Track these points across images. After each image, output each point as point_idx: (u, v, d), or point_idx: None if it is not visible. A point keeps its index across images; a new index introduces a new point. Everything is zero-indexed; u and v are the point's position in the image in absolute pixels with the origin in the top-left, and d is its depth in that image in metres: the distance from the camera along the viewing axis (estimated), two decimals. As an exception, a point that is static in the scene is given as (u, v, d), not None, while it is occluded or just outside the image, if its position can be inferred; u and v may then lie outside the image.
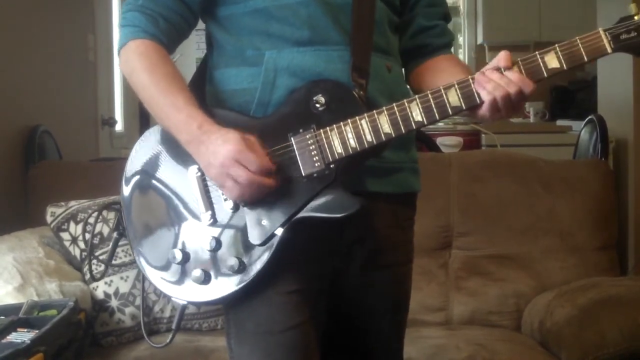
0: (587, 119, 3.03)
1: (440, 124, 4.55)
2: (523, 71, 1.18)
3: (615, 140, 3.00)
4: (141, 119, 4.55)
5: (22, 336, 1.68)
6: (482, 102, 1.19)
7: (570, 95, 5.70)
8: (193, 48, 5.13)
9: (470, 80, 1.20)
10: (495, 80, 1.18)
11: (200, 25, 1.40)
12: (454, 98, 1.20)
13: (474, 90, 1.20)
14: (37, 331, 1.70)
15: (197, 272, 1.24)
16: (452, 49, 1.50)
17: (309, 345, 1.28)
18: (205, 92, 1.37)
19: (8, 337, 1.69)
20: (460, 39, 6.55)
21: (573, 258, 2.47)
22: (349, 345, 1.42)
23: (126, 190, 1.34)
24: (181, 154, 1.27)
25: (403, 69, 1.46)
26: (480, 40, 6.21)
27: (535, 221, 2.51)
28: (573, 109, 5.50)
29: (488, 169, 2.59)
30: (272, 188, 1.20)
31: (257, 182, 1.19)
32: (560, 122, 5.24)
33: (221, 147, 1.18)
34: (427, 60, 1.43)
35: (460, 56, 6.39)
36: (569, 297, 2.18)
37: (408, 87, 1.46)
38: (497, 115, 1.21)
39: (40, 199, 2.48)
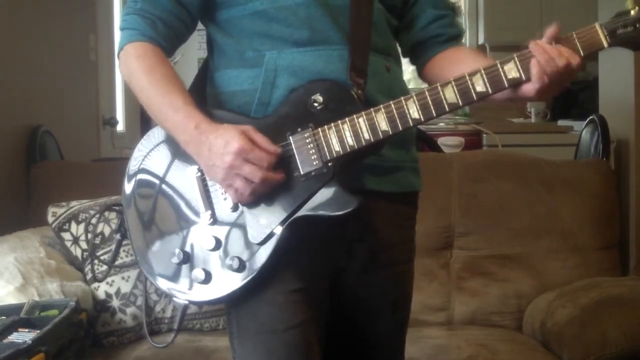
0: (588, 119, 3.02)
1: (442, 124, 4.55)
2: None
3: (617, 141, 3.00)
4: (142, 119, 4.54)
5: (23, 336, 1.68)
6: (528, 79, 1.18)
7: (571, 95, 5.69)
8: (195, 48, 5.13)
9: (467, 77, 1.20)
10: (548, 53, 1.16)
11: (202, 25, 1.40)
12: (450, 94, 1.20)
13: (470, 86, 1.20)
14: (38, 331, 1.70)
15: (197, 272, 1.25)
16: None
17: (311, 344, 1.28)
18: (206, 95, 1.37)
19: (9, 337, 1.69)
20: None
21: (574, 258, 2.47)
22: (347, 344, 1.42)
23: (127, 190, 1.35)
24: (181, 155, 1.28)
25: (415, 64, 1.46)
26: (481, 40, 6.20)
27: (536, 221, 2.50)
28: (574, 109, 5.49)
29: (489, 169, 2.59)
30: (281, 181, 1.21)
31: (271, 178, 1.19)
32: (561, 122, 5.23)
33: (225, 148, 1.18)
34: (444, 50, 1.41)
35: (462, 56, 6.36)
36: (571, 297, 2.18)
37: (408, 85, 1.46)
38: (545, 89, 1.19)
39: (41, 199, 2.49)
